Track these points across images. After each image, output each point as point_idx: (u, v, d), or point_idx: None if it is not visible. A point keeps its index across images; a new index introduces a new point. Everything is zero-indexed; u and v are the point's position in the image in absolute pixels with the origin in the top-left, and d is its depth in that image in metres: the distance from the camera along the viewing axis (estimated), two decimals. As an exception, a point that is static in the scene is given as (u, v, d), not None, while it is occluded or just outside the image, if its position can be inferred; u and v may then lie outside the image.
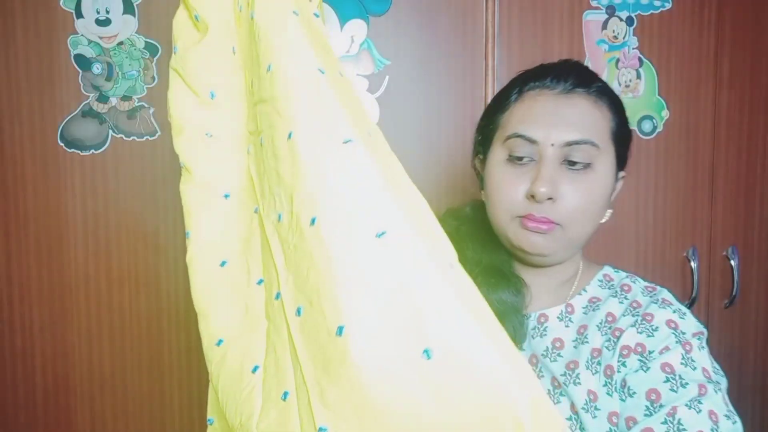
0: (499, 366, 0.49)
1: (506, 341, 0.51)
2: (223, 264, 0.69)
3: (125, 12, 1.31)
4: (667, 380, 0.67)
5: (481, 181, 0.80)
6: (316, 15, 0.68)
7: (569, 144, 0.69)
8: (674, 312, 0.73)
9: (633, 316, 0.74)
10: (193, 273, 0.70)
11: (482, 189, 0.78)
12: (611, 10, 1.48)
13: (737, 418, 0.66)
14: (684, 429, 0.64)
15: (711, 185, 1.57)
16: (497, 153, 0.73)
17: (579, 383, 0.72)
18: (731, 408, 0.67)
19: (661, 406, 0.65)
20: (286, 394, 0.60)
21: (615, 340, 0.72)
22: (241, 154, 0.72)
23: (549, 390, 0.74)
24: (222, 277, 0.69)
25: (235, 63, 0.74)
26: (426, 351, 0.49)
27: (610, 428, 0.68)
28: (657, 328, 0.71)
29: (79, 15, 1.30)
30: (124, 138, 1.33)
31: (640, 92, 1.51)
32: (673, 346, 0.69)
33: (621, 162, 0.77)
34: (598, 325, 0.75)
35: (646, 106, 1.52)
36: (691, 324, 0.73)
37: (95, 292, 1.35)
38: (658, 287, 0.79)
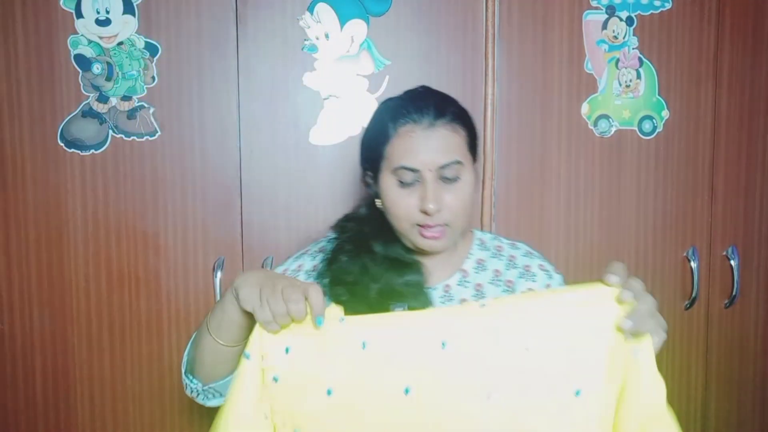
0: None
1: None
2: None
3: (125, 12, 1.31)
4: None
5: (371, 190, 0.99)
6: None
7: (442, 167, 0.90)
8: (538, 258, 1.05)
9: (515, 268, 1.02)
10: None
11: (376, 198, 0.97)
12: (611, 10, 1.48)
13: None
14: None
15: (711, 185, 1.57)
16: (388, 179, 0.93)
17: None
18: None
19: None
20: None
21: (510, 289, 1.00)
22: None
23: None
24: None
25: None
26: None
27: None
28: (535, 274, 1.02)
29: (79, 15, 1.30)
30: (124, 138, 1.33)
31: (640, 92, 1.51)
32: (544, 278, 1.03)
33: (476, 157, 0.98)
34: (490, 282, 1.01)
35: (646, 106, 1.52)
36: (550, 264, 1.05)
37: (95, 292, 1.35)
38: (517, 242, 1.08)
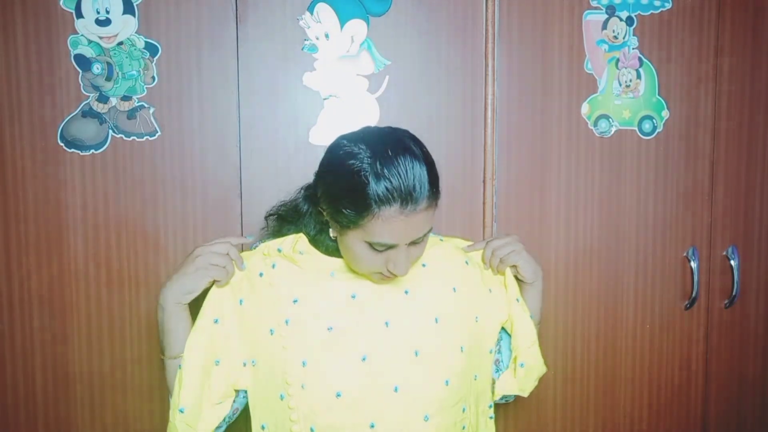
0: None
1: None
2: None
3: (125, 12, 1.31)
4: None
5: (322, 220, 0.99)
6: None
7: (415, 240, 0.93)
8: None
9: None
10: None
11: (331, 227, 0.97)
12: (611, 10, 1.48)
13: None
14: None
15: (711, 185, 1.57)
16: (357, 238, 0.91)
17: None
18: None
19: None
20: None
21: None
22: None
23: None
24: None
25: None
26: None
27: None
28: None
29: (79, 15, 1.30)
30: (124, 138, 1.33)
31: (640, 92, 1.51)
32: None
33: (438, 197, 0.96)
34: None
35: (646, 106, 1.52)
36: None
37: (95, 292, 1.35)
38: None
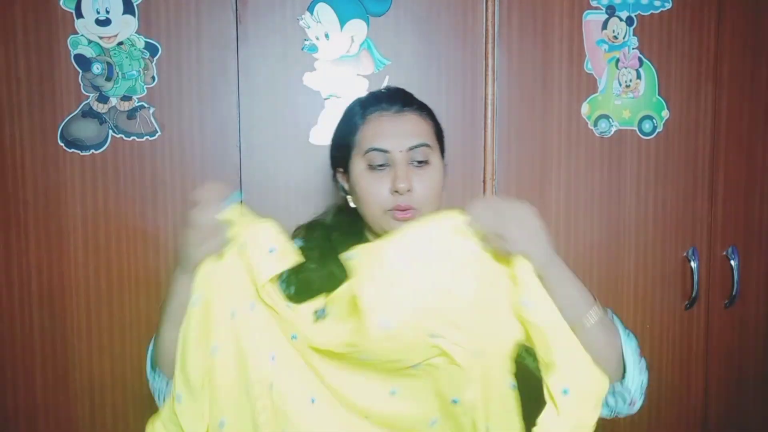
0: None
1: None
2: None
3: (125, 12, 1.31)
4: None
5: (342, 190, 1.02)
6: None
7: (411, 148, 0.92)
8: None
9: None
10: None
11: (348, 195, 1.00)
12: (611, 10, 1.48)
13: None
14: None
15: (711, 185, 1.57)
16: (359, 165, 0.95)
17: None
18: None
19: None
20: None
21: None
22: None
23: None
24: None
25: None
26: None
27: None
28: None
29: (79, 15, 1.30)
30: (124, 138, 1.33)
31: (640, 92, 1.51)
32: None
33: (443, 154, 1.00)
34: None
35: (646, 106, 1.52)
36: None
37: (95, 292, 1.35)
38: None
